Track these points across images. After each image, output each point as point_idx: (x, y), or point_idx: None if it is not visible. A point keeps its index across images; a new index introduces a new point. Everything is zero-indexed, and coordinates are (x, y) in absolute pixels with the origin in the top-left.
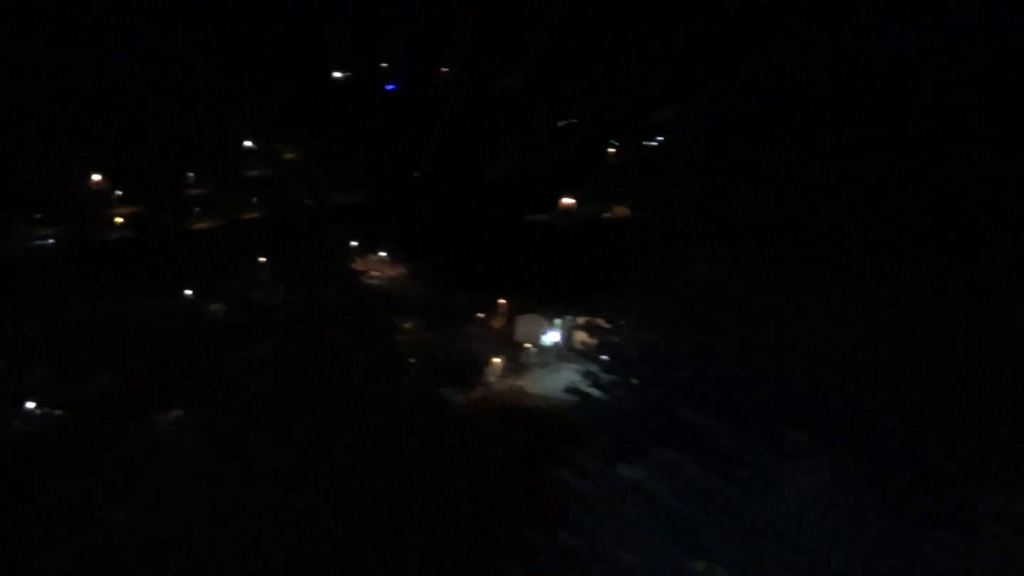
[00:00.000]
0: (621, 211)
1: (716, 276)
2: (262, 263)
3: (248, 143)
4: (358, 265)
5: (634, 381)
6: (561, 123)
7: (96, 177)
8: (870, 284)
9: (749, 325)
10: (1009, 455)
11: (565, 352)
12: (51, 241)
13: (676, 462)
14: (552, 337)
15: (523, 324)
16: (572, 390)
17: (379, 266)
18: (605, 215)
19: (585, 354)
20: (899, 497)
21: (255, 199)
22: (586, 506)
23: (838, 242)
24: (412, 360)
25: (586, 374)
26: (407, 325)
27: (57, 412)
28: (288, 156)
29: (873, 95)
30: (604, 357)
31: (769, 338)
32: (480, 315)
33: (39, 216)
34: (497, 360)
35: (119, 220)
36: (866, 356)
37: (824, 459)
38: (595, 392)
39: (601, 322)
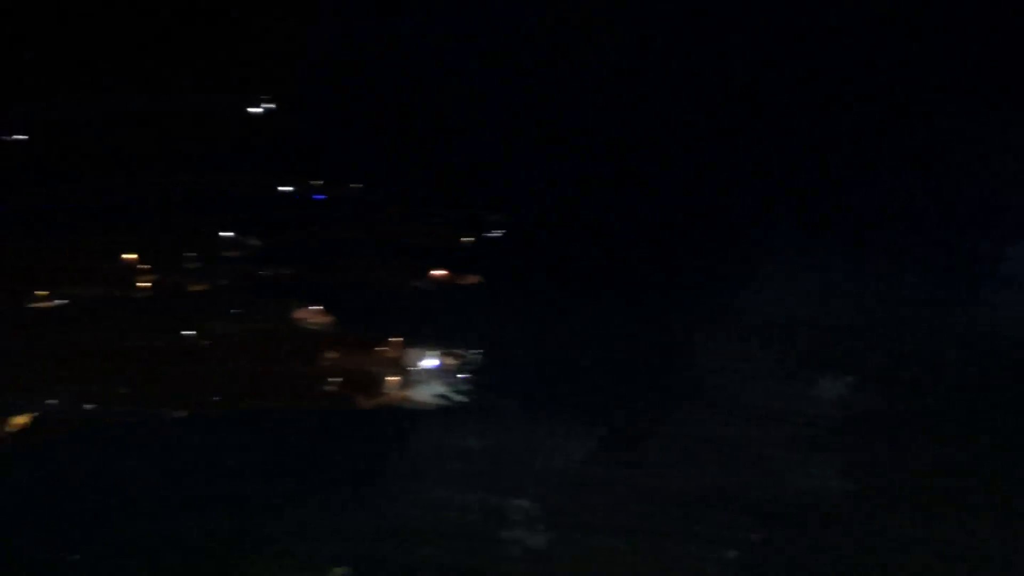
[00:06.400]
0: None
1: None
2: None
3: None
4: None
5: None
6: None
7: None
8: None
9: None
10: None
11: (437, 370)
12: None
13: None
14: (430, 361)
15: (410, 353)
16: (440, 394)
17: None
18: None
19: (449, 371)
20: None
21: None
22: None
23: None
24: (334, 378)
25: (449, 383)
26: (334, 354)
27: None
28: None
29: None
30: (461, 372)
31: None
32: (381, 347)
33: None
34: (392, 377)
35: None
36: None
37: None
38: (454, 394)
39: (460, 351)
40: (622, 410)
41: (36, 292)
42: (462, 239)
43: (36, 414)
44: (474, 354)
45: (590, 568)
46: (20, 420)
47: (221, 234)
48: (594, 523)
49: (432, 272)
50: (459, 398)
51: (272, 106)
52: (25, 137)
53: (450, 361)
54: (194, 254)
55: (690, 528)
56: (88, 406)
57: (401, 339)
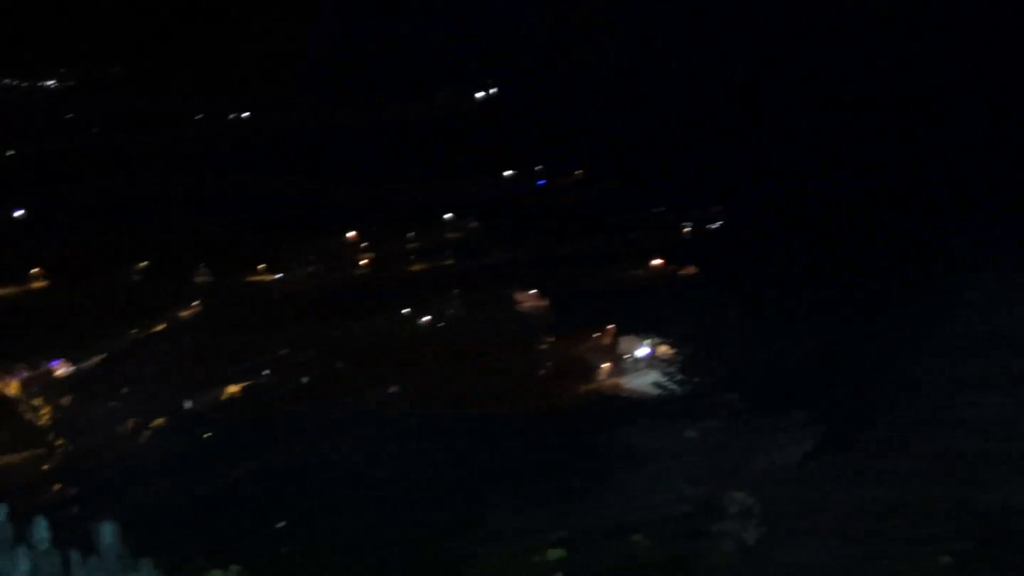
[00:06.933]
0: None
1: None
2: None
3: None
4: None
5: (691, 377)
6: None
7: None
8: None
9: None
10: None
11: (651, 360)
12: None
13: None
14: (643, 351)
15: (624, 341)
16: (655, 384)
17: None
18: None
19: (663, 361)
20: None
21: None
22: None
23: None
24: (549, 364)
25: (664, 373)
26: (549, 339)
27: None
28: None
29: None
30: (675, 363)
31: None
32: (595, 334)
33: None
34: (606, 365)
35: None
36: None
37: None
38: (668, 384)
39: (674, 341)
40: (842, 413)
41: (257, 267)
42: (682, 230)
43: (251, 382)
44: (688, 344)
45: (801, 567)
46: (233, 389)
47: (444, 216)
48: (806, 523)
49: (650, 262)
50: (671, 387)
51: (496, 91)
52: (247, 114)
53: (664, 350)
54: (414, 234)
55: (904, 536)
56: (303, 379)
57: (615, 327)
